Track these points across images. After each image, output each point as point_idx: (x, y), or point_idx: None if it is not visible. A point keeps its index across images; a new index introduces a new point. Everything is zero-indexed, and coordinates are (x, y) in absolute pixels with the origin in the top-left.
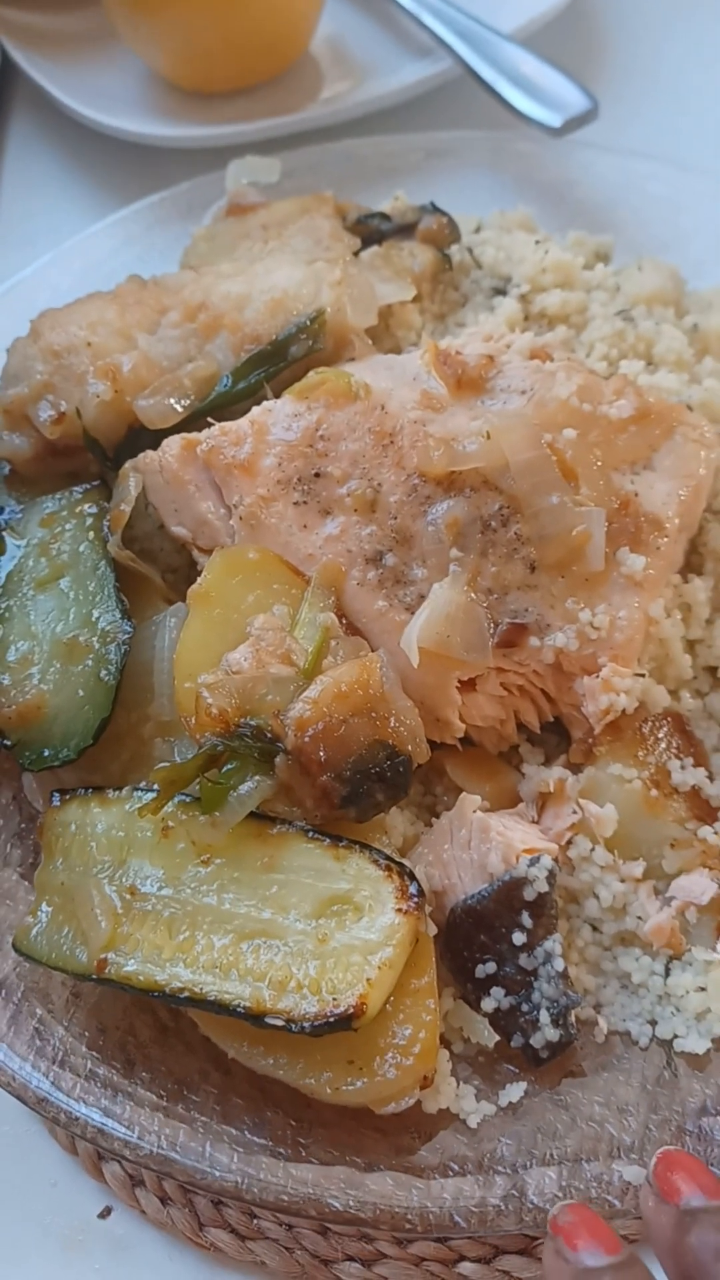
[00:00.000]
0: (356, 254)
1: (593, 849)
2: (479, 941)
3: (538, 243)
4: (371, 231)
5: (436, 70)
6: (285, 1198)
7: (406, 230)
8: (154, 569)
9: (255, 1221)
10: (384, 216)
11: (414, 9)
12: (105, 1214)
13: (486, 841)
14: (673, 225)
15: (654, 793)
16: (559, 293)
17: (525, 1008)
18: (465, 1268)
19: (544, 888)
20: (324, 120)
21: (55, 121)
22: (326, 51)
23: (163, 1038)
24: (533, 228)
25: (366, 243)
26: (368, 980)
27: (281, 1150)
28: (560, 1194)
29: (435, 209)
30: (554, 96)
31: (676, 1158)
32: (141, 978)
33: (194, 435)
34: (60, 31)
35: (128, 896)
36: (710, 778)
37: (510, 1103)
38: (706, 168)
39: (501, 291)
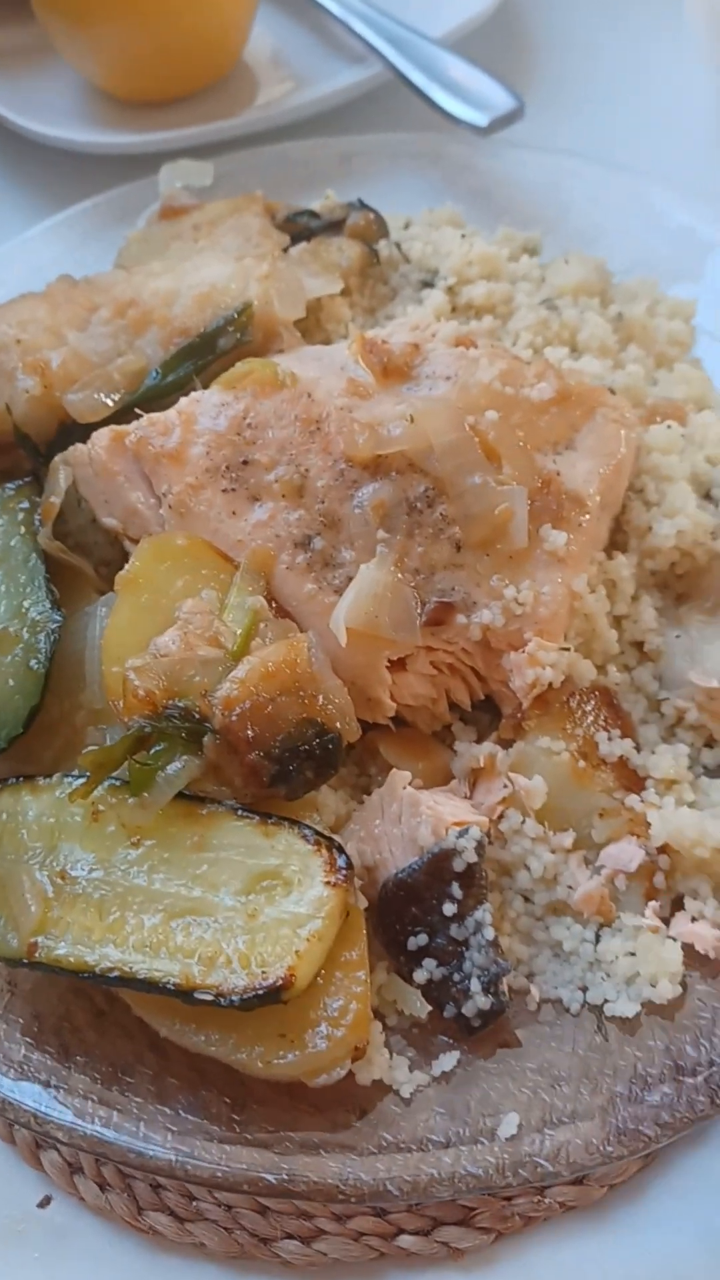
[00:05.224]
0: (285, 250)
1: (523, 821)
2: (410, 914)
3: (464, 236)
4: (300, 229)
5: (368, 75)
6: (219, 1174)
7: (335, 227)
8: (87, 561)
9: (194, 1204)
10: (313, 214)
11: (344, 16)
12: (45, 1203)
13: (416, 815)
14: (600, 221)
15: (582, 764)
16: (485, 284)
17: (456, 977)
18: (404, 1240)
19: (473, 858)
20: (259, 125)
21: None
22: (261, 59)
23: (99, 1023)
24: (461, 224)
25: (296, 240)
26: (296, 952)
27: (216, 1128)
28: (493, 1160)
29: (363, 205)
30: (481, 97)
31: None
32: (72, 959)
33: (123, 427)
34: None
35: (59, 881)
36: (637, 748)
37: (444, 1072)
38: (634, 165)
39: (429, 284)
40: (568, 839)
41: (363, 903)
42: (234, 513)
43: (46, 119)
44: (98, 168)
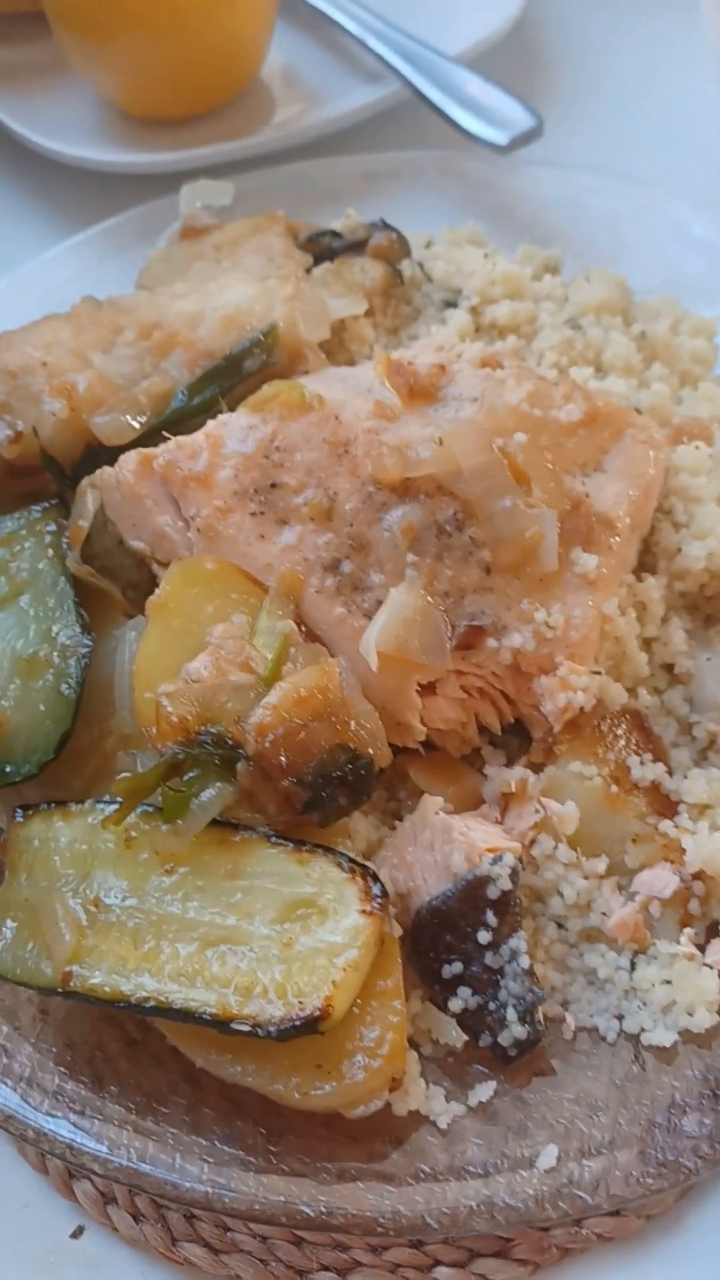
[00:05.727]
0: (308, 271)
1: (556, 847)
2: (445, 942)
3: (486, 256)
4: (323, 249)
5: (386, 93)
6: (257, 1206)
7: (358, 247)
8: (114, 584)
9: (229, 1234)
10: (335, 234)
11: (361, 34)
12: (78, 1234)
13: (449, 842)
14: (619, 238)
15: (614, 789)
16: (509, 304)
17: (492, 1006)
18: (441, 1272)
19: (507, 885)
20: (277, 144)
21: (9, 150)
22: (277, 77)
23: (131, 1052)
24: (482, 242)
25: (318, 260)
26: (333, 982)
27: (252, 1159)
28: (532, 1193)
29: (385, 225)
30: (500, 115)
31: None
32: (107, 989)
33: (150, 450)
34: (13, 64)
35: (92, 909)
36: (669, 773)
37: (480, 1102)
38: (652, 179)
39: (453, 304)
40: (601, 865)
41: (397, 931)
42: (262, 536)
43: (63, 137)
44: (114, 187)
